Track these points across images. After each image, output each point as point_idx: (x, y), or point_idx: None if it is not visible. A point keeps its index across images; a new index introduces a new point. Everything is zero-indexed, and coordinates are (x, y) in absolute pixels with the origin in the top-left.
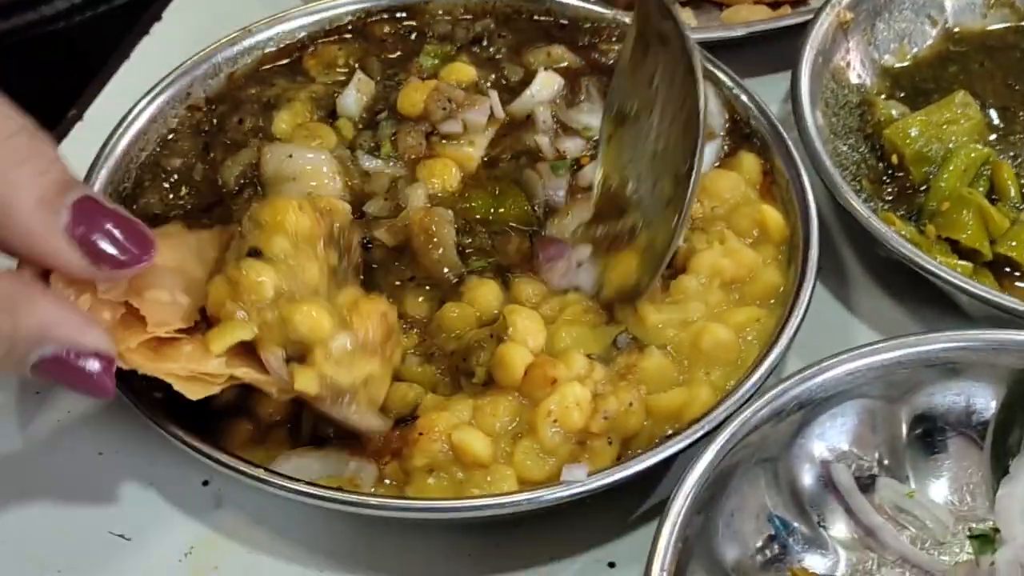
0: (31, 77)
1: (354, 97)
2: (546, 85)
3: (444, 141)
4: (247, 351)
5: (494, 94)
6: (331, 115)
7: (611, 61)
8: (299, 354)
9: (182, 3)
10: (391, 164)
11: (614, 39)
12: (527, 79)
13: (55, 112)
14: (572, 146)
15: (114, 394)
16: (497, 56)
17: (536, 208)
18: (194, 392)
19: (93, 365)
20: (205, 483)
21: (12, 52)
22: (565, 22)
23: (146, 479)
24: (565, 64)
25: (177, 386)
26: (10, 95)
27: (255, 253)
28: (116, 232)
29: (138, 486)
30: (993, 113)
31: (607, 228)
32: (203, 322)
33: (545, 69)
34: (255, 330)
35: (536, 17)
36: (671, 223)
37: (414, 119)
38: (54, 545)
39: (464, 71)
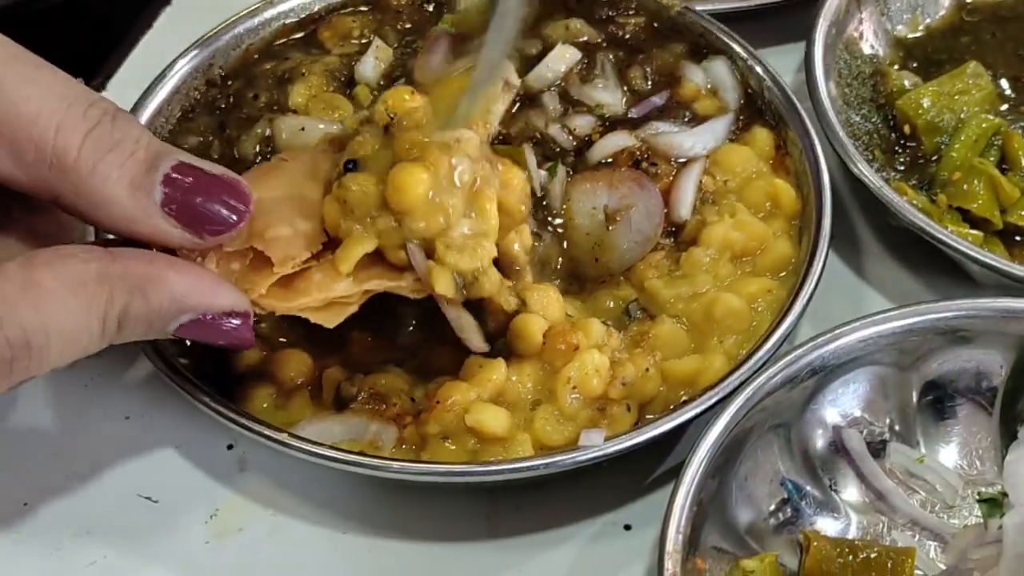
0: (52, 44)
1: (372, 64)
2: (562, 58)
3: None
4: (375, 263)
5: (509, 64)
6: (348, 86)
7: (628, 36)
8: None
9: None
10: None
11: (631, 12)
12: (544, 53)
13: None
14: (583, 123)
15: (253, 343)
16: None
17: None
18: (330, 320)
19: (230, 322)
20: (230, 447)
21: (33, 20)
22: None
23: (172, 443)
24: (584, 39)
25: (314, 318)
26: None
27: (352, 166)
28: (209, 197)
29: (165, 450)
30: (1004, 83)
31: None
32: (331, 242)
33: (563, 43)
34: (375, 240)
35: None
36: None
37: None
38: (83, 507)
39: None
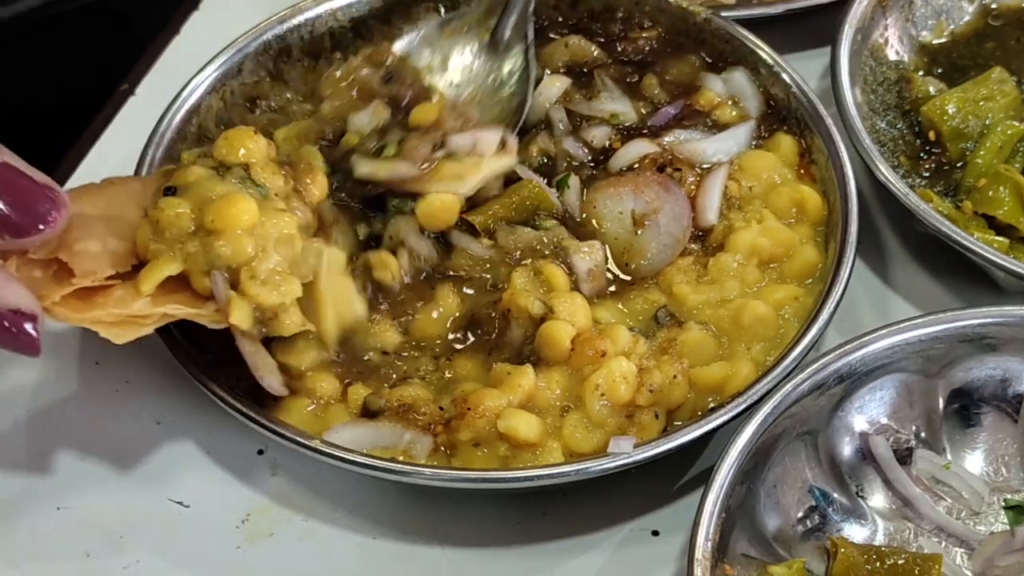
0: (80, 46)
1: (366, 120)
2: (551, 85)
3: (449, 158)
4: (180, 289)
5: (513, 140)
6: None
7: (638, 52)
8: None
9: None
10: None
11: (645, 26)
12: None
13: (104, 83)
14: (599, 134)
15: (40, 351)
16: None
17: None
18: (121, 336)
19: (15, 321)
20: (261, 452)
21: (62, 22)
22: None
23: (204, 447)
24: (583, 57)
25: (103, 332)
26: (59, 65)
27: (171, 191)
28: (18, 201)
29: (196, 454)
30: None
31: None
32: (140, 266)
33: (549, 74)
34: (181, 264)
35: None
36: None
37: (425, 128)
38: (115, 512)
39: None
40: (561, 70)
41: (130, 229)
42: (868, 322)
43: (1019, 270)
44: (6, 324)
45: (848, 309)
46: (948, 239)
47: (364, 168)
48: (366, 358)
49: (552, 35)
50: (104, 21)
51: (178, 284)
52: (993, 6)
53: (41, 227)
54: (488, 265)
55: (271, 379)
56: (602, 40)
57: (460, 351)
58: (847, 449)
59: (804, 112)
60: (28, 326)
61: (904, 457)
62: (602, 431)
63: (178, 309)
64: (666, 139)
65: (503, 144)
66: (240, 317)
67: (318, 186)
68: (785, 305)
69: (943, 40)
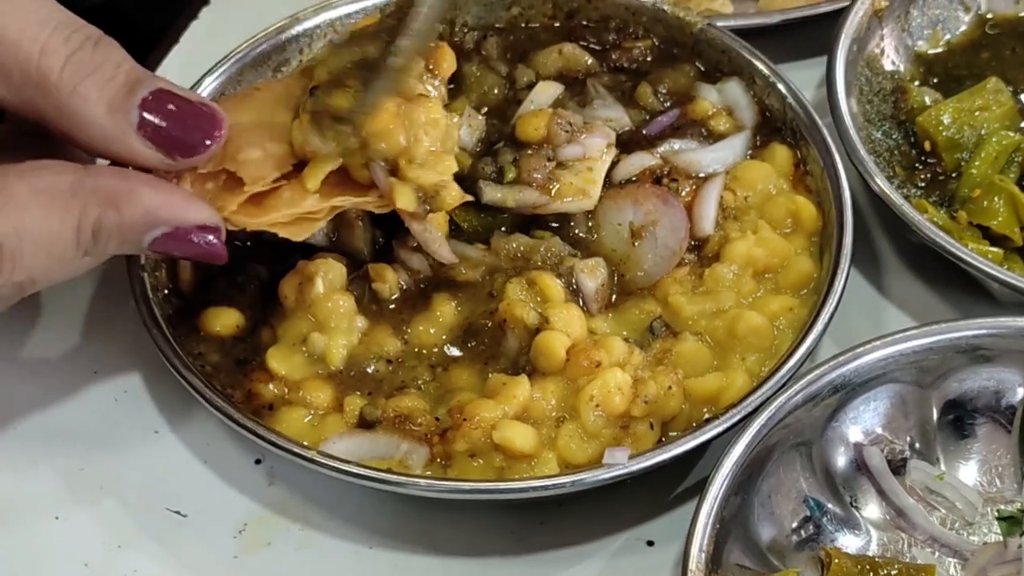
0: None
1: (466, 132)
2: (545, 91)
3: (562, 168)
4: (342, 182)
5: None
6: None
7: (632, 61)
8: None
9: None
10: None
11: (640, 35)
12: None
13: None
14: (599, 141)
15: (226, 258)
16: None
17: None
18: (298, 233)
19: (201, 236)
20: (258, 461)
21: None
22: (594, 23)
23: (201, 457)
24: (577, 65)
25: (282, 232)
26: None
27: (315, 91)
28: (181, 123)
29: (193, 464)
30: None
31: None
32: (300, 164)
33: (543, 80)
34: (340, 158)
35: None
36: None
37: (535, 144)
38: (113, 521)
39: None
40: (554, 77)
41: (284, 131)
42: (863, 332)
43: (1012, 281)
44: (194, 239)
45: (843, 319)
46: (942, 250)
47: (493, 194)
48: (364, 368)
49: (545, 41)
50: (110, 25)
51: (341, 176)
52: (989, 16)
53: (208, 142)
54: (484, 269)
55: (443, 251)
56: (596, 49)
57: (456, 361)
58: (841, 459)
59: (799, 122)
60: (211, 237)
61: (898, 467)
62: (597, 442)
63: (345, 200)
64: (662, 149)
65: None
66: (405, 201)
67: (446, 59)
68: (780, 316)
69: (939, 50)
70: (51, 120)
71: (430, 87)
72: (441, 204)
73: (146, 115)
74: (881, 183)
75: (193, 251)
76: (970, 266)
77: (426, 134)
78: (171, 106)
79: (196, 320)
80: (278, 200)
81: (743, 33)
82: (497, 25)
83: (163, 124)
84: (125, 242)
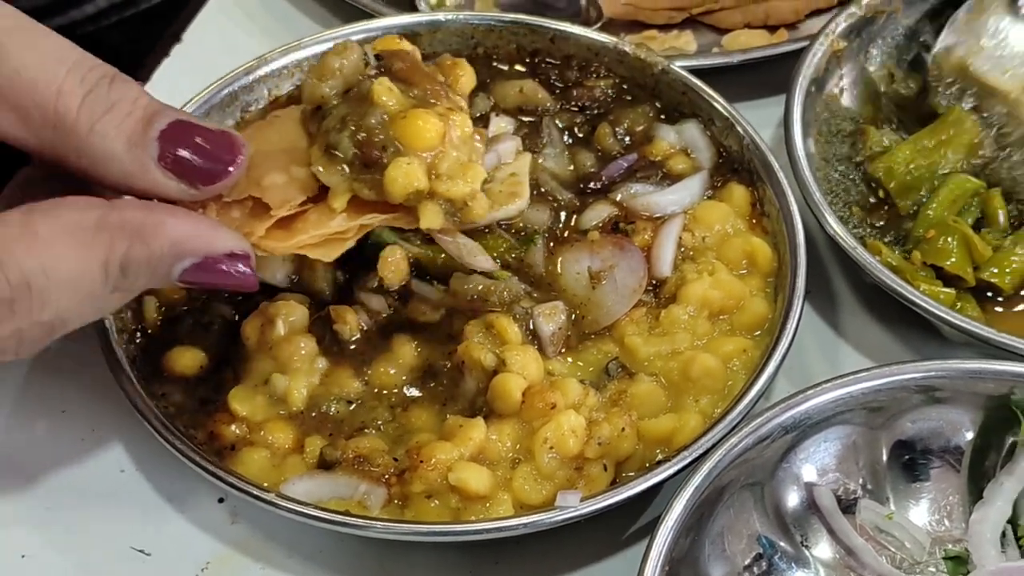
0: None
1: None
2: (498, 128)
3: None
4: (370, 201)
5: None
6: None
7: (593, 100)
8: None
9: (203, 23)
10: None
11: (601, 75)
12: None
13: None
14: (510, 144)
15: (257, 285)
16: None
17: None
18: (328, 254)
19: (231, 264)
20: (221, 500)
21: None
22: (556, 61)
23: (165, 496)
24: (536, 104)
25: (312, 254)
26: None
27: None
28: (201, 152)
29: (158, 503)
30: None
31: None
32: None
33: (496, 115)
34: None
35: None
36: None
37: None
38: (79, 560)
39: None
40: (513, 112)
41: (306, 155)
42: (818, 372)
43: (960, 323)
44: (223, 268)
45: (799, 359)
46: (893, 292)
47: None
48: (325, 408)
49: (509, 74)
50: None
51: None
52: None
53: (231, 169)
54: (443, 311)
55: (481, 259)
56: (559, 86)
57: (416, 402)
58: (793, 499)
59: (756, 163)
60: (241, 265)
61: (849, 507)
62: (551, 483)
63: (373, 218)
64: (622, 194)
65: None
66: (430, 219)
67: (467, 75)
68: (734, 357)
69: (900, 89)
70: (72, 161)
71: (458, 98)
72: (471, 215)
73: (165, 147)
74: (834, 224)
75: (224, 280)
76: (919, 308)
77: (455, 148)
78: (189, 135)
79: (161, 360)
80: (306, 223)
81: (704, 73)
82: (460, 55)
83: (183, 154)
84: (155, 275)
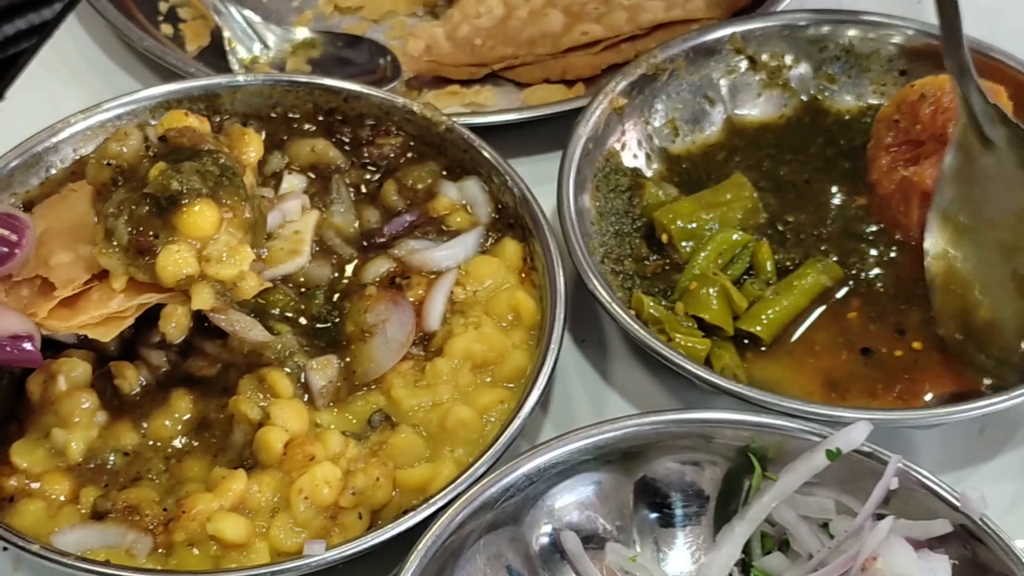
0: None
1: None
2: (287, 182)
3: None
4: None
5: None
6: None
7: (383, 157)
8: None
9: (27, 80)
10: None
11: (392, 133)
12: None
13: None
14: (295, 203)
15: (42, 362)
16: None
17: None
18: (107, 333)
19: (14, 344)
20: (5, 548)
21: None
22: (351, 120)
23: None
24: (327, 162)
25: (92, 334)
26: None
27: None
28: None
29: None
30: (767, 195)
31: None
32: None
33: (289, 173)
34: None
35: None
36: None
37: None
38: None
39: None
40: (306, 169)
41: (94, 233)
42: (585, 419)
43: (705, 376)
44: (8, 348)
45: (567, 406)
46: (643, 345)
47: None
48: (102, 460)
49: (305, 132)
50: None
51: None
52: (735, 113)
53: (17, 252)
54: (220, 366)
55: (255, 332)
56: (351, 143)
57: (189, 453)
58: (541, 542)
59: (527, 219)
60: (27, 345)
61: (598, 549)
62: (307, 531)
63: (150, 298)
64: (401, 250)
65: None
66: (201, 301)
67: (254, 147)
68: (491, 409)
69: (683, 145)
70: None
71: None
72: (241, 293)
73: None
74: (594, 279)
75: (9, 359)
76: (667, 360)
77: (227, 233)
78: None
79: None
80: (88, 302)
81: (492, 130)
82: (260, 114)
83: None
84: None
